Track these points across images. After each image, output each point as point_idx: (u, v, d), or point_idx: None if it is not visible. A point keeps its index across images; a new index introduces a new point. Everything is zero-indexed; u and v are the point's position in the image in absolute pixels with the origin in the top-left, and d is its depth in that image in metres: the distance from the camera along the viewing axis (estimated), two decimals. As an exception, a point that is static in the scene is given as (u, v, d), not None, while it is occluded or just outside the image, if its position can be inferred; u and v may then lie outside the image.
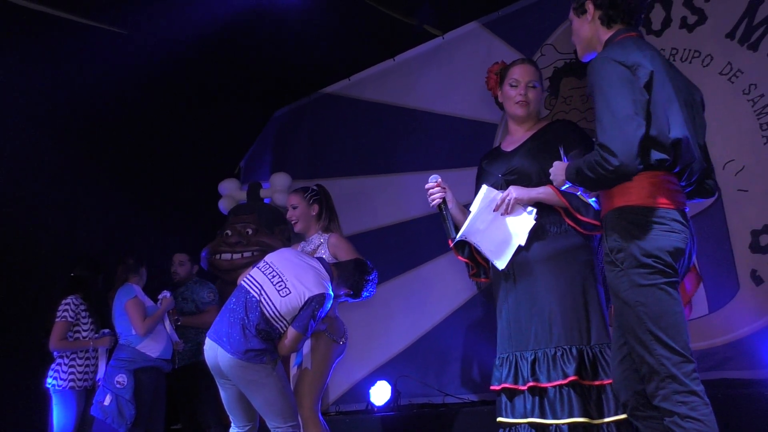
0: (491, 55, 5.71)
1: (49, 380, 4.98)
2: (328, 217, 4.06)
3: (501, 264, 2.95)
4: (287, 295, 3.47)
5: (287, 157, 7.12)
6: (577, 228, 2.91)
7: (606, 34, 2.65)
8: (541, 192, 2.92)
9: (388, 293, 6.02)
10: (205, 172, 6.97)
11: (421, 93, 6.22)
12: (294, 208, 4.06)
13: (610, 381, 2.72)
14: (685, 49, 4.72)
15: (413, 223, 6.01)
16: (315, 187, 4.13)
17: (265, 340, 3.45)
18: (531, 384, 2.81)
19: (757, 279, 4.23)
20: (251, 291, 3.52)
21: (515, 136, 3.19)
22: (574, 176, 2.54)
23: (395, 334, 5.95)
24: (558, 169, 2.68)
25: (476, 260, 3.20)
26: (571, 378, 2.74)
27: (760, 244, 4.25)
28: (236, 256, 6.00)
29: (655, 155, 2.39)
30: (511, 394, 2.89)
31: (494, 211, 2.94)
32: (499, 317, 3.03)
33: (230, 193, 6.72)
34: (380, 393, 5.62)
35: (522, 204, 2.93)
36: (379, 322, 6.07)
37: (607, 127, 2.35)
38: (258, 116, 7.35)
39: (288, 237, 6.34)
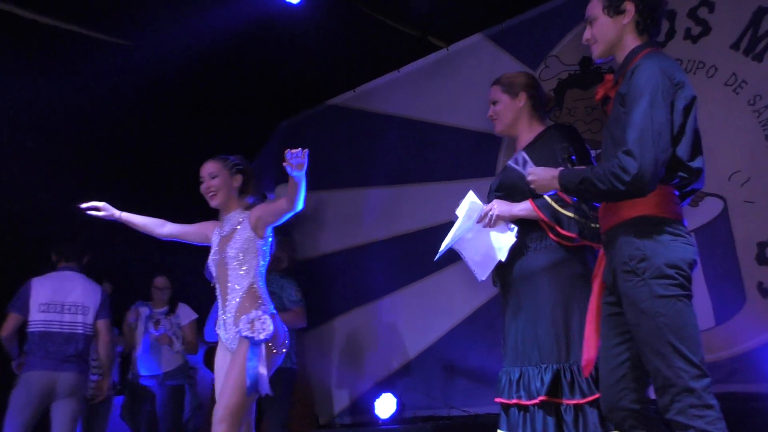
0: (495, 66, 5.67)
1: None
2: (250, 189, 3.50)
3: (481, 276, 2.97)
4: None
5: None
6: (561, 242, 2.88)
7: (635, 42, 2.55)
8: (522, 209, 2.90)
9: (392, 305, 6.06)
10: (210, 183, 6.95)
11: (426, 104, 6.21)
12: (213, 177, 3.44)
13: (588, 399, 2.72)
14: (689, 60, 4.71)
15: (417, 235, 5.97)
16: (237, 158, 3.56)
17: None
18: (515, 401, 2.84)
19: (763, 291, 4.20)
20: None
21: (517, 147, 3.17)
22: (575, 185, 2.45)
23: (400, 346, 5.94)
24: (545, 176, 2.58)
25: None
26: (542, 398, 2.74)
27: (767, 256, 4.22)
28: None
29: (681, 174, 2.39)
30: (506, 407, 2.90)
31: (477, 222, 2.95)
32: (505, 336, 3.04)
33: None
34: (385, 405, 5.63)
35: (504, 220, 2.92)
36: (383, 333, 6.07)
37: (640, 137, 2.29)
38: (263, 128, 7.35)
39: (293, 247, 6.31)
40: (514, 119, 3.12)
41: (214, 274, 3.35)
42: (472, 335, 5.52)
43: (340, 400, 6.18)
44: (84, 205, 3.51)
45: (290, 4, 5.40)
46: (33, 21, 5.22)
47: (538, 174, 2.61)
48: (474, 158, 5.72)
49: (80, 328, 4.69)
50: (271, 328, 3.14)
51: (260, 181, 7.28)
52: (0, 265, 5.51)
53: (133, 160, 6.58)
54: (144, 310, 5.25)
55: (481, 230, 2.94)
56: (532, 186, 2.65)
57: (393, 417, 5.57)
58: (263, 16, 5.47)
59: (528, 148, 3.06)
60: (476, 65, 5.92)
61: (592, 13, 2.61)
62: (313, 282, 6.31)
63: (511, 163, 2.70)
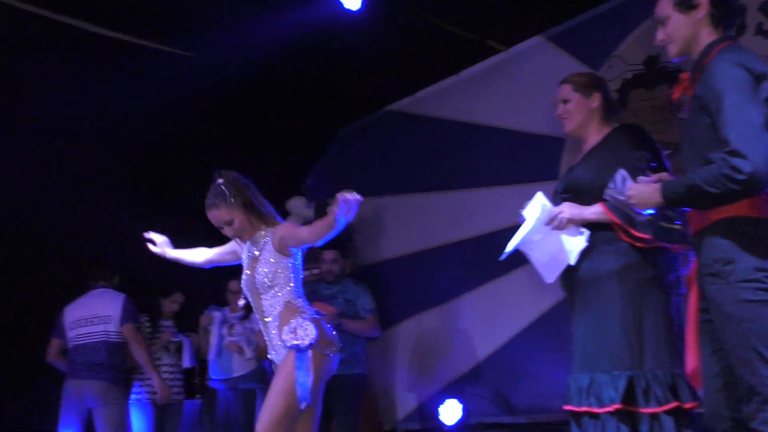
0: (556, 68, 5.51)
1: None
2: (258, 203, 3.25)
3: (549, 278, 2.93)
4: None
5: (353, 174, 7.07)
6: (634, 244, 2.79)
7: (710, 36, 2.45)
8: (593, 212, 2.83)
9: (456, 310, 6.03)
10: (271, 190, 6.95)
11: (486, 108, 6.14)
12: (229, 223, 3.22)
13: (664, 408, 2.65)
14: (762, 56, 4.54)
15: (479, 240, 5.93)
16: (223, 182, 3.25)
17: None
18: (585, 408, 2.77)
19: None
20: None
21: (583, 149, 3.13)
22: (682, 195, 2.35)
23: (464, 351, 5.91)
24: (646, 191, 2.48)
25: None
26: (616, 406, 2.66)
27: None
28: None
29: None
30: (576, 415, 2.84)
31: (546, 224, 2.88)
32: (574, 341, 2.98)
33: (297, 210, 6.76)
34: (450, 411, 5.61)
35: (575, 223, 2.86)
36: (447, 339, 6.05)
37: (742, 135, 2.18)
38: (323, 134, 7.38)
39: (355, 254, 6.40)
40: (586, 120, 3.06)
41: (249, 296, 3.24)
42: (539, 340, 5.45)
43: (405, 406, 6.19)
44: (148, 235, 3.52)
45: (349, 10, 5.40)
46: (97, 34, 5.36)
47: (638, 190, 2.52)
48: (536, 161, 5.64)
49: (103, 336, 4.92)
50: (314, 332, 3.01)
51: (321, 187, 7.35)
52: (51, 276, 5.71)
53: (192, 169, 6.65)
54: (217, 315, 5.33)
55: (549, 232, 2.88)
56: (631, 202, 2.56)
57: (458, 424, 5.55)
58: (322, 23, 5.47)
59: (595, 150, 3.01)
60: (537, 67, 5.86)
61: (663, 12, 2.51)
62: (375, 287, 6.13)
63: (611, 186, 2.65)
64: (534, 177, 5.40)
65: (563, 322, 4.96)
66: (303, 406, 2.95)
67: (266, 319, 3.15)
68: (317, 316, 3.13)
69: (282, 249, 3.12)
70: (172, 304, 5.32)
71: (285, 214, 6.77)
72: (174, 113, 6.03)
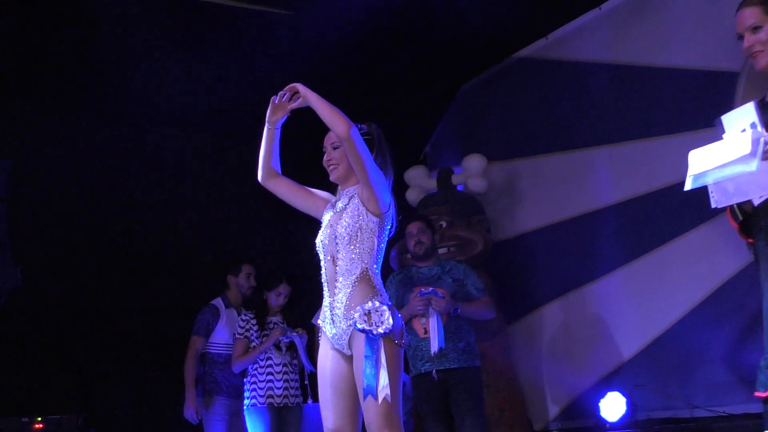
0: None
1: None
2: (380, 162, 3.09)
3: (716, 203, 2.62)
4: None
5: (479, 137, 6.80)
6: None
7: None
8: None
9: (613, 286, 5.71)
10: (388, 161, 6.72)
11: (636, 45, 5.69)
12: (335, 148, 3.13)
13: None
14: None
15: (638, 201, 5.56)
16: (365, 126, 3.19)
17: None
18: None
19: None
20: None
21: None
22: None
23: (626, 335, 5.59)
24: None
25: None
26: None
27: None
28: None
29: None
30: None
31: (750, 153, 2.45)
32: (765, 307, 2.61)
33: (418, 182, 6.44)
34: (612, 406, 5.23)
35: None
36: (603, 321, 5.74)
37: None
38: (442, 93, 7.06)
39: (488, 228, 6.01)
40: None
41: (323, 255, 3.05)
42: (717, 318, 5.06)
43: (556, 402, 5.92)
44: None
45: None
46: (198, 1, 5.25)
47: None
48: (702, 104, 5.14)
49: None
50: (391, 321, 2.85)
51: (442, 153, 7.08)
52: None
53: (299, 139, 6.44)
54: None
55: (744, 157, 2.48)
56: None
57: (623, 420, 5.19)
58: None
59: None
60: (697, -12, 5.36)
61: None
62: (513, 266, 6.16)
63: None
64: (700, 123, 4.90)
65: (745, 295, 4.72)
66: (365, 397, 2.81)
67: (336, 283, 2.97)
68: (390, 303, 2.96)
69: (367, 202, 2.99)
70: (278, 297, 4.98)
71: (404, 187, 6.53)
72: (275, 78, 5.74)
